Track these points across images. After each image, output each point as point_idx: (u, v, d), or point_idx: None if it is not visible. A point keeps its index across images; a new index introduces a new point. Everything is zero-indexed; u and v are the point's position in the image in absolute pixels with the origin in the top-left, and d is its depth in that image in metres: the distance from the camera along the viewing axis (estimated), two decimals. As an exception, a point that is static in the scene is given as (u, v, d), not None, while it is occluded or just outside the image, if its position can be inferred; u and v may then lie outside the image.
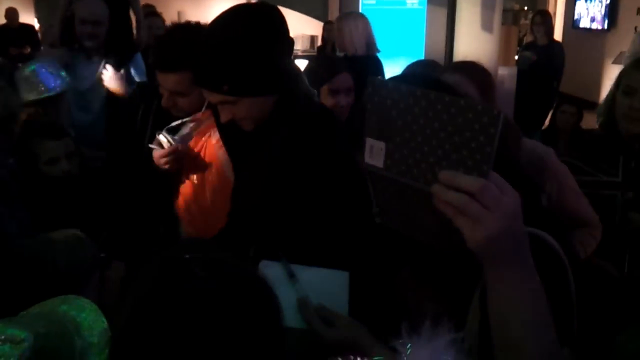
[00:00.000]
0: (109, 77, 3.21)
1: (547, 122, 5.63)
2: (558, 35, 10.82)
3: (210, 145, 1.94)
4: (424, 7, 4.42)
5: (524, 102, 5.56)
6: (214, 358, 0.77)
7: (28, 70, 2.84)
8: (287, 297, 1.13)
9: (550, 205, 1.90)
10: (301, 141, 1.55)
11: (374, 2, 4.65)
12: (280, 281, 1.24)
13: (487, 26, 4.71)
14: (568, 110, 4.52)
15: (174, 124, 1.95)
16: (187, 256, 0.83)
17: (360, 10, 4.73)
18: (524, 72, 5.60)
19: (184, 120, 1.96)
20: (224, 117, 1.58)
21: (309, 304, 1.20)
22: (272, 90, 1.56)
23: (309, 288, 1.25)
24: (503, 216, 0.78)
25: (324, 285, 1.26)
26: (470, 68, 2.03)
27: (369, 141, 0.90)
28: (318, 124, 1.63)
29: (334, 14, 11.04)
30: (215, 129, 1.91)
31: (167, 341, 0.76)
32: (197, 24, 1.94)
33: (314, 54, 8.27)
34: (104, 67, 3.25)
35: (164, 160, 1.90)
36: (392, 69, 4.57)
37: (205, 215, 1.93)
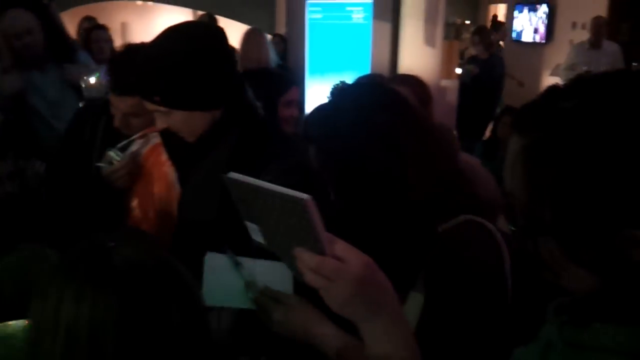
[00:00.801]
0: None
1: (487, 132, 5.82)
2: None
3: (160, 161, 1.95)
4: (369, 22, 4.51)
5: (466, 114, 5.73)
6: (126, 342, 0.85)
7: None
8: (234, 282, 1.18)
9: None
10: (246, 153, 1.57)
11: (320, 16, 4.72)
12: (227, 269, 1.30)
13: (430, 41, 4.84)
14: (508, 122, 4.68)
15: (124, 142, 1.96)
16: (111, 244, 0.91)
17: (306, 24, 4.78)
18: (466, 85, 5.77)
19: (133, 137, 1.96)
20: (158, 125, 1.62)
21: (256, 285, 1.27)
22: (207, 106, 1.57)
23: (256, 276, 1.31)
24: (346, 283, 0.84)
25: (270, 275, 1.29)
26: (412, 81, 2.13)
27: (247, 224, 0.97)
28: (264, 135, 1.65)
29: (281, 26, 11.13)
30: None
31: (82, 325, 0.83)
32: (149, 45, 1.96)
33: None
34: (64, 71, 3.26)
35: (115, 176, 1.89)
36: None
37: (156, 230, 1.93)
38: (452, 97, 5.36)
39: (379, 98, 1.22)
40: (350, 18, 4.59)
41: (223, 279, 1.25)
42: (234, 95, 1.62)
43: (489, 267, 1.13)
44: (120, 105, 1.92)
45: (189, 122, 1.58)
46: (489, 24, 11.36)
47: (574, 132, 0.70)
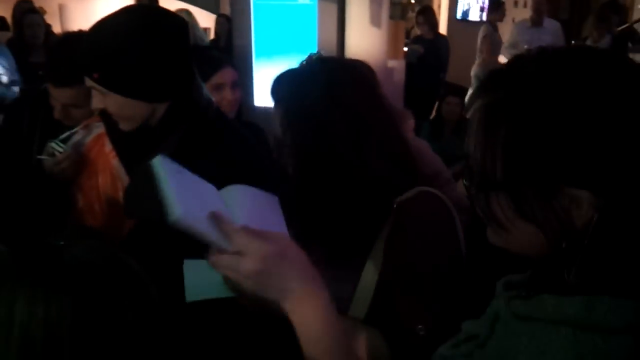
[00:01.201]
0: None
1: (434, 112, 5.90)
2: (443, 27, 11.27)
3: (104, 152, 1.90)
4: (315, 3, 4.48)
5: (413, 94, 5.79)
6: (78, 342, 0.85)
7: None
8: (213, 275, 1.07)
9: None
10: (189, 154, 1.49)
11: (265, -2, 4.66)
12: (205, 266, 1.07)
13: (375, 21, 4.85)
14: (452, 102, 4.77)
15: (65, 134, 1.91)
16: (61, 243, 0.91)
17: (251, 6, 4.72)
18: (413, 65, 5.83)
19: (75, 129, 1.92)
20: (94, 104, 1.56)
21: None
22: (148, 97, 1.51)
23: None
24: (254, 258, 0.90)
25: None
26: None
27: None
28: (211, 135, 1.60)
29: (225, 6, 10.95)
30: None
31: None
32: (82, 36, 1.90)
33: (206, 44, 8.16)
34: None
35: (58, 168, 1.84)
36: (286, 65, 4.62)
37: (103, 221, 1.89)
38: (400, 77, 5.40)
39: (351, 73, 1.30)
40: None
41: (202, 275, 1.19)
42: (182, 90, 1.55)
43: (443, 231, 1.24)
44: (60, 96, 1.88)
45: (126, 109, 1.51)
46: (434, 4, 11.45)
47: (529, 93, 0.75)
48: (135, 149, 1.62)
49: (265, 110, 2.83)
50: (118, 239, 1.67)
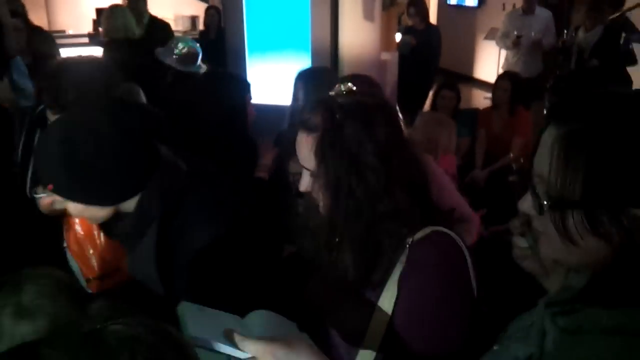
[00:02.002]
0: None
1: (428, 102, 5.90)
2: (433, 12, 11.24)
3: None
4: (308, -2, 4.45)
5: (406, 85, 5.78)
6: None
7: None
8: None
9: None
10: (171, 235, 1.45)
11: (257, -7, 4.62)
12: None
13: (368, 15, 4.83)
14: (447, 96, 4.76)
15: None
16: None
17: (243, 2, 4.67)
18: (405, 57, 5.80)
19: None
20: (57, 204, 1.55)
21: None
22: (104, 202, 1.42)
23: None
24: None
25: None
26: (363, 82, 2.13)
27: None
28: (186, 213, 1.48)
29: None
30: None
31: None
32: (87, 58, 1.90)
33: (197, 36, 8.07)
34: None
35: (52, 208, 1.77)
36: (279, 61, 4.60)
37: (98, 256, 1.87)
38: (393, 70, 5.38)
39: (384, 110, 1.33)
40: (288, -6, 4.52)
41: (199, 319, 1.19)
42: (143, 183, 1.42)
43: (455, 272, 1.26)
44: None
45: (86, 212, 1.44)
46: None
47: (607, 127, 0.87)
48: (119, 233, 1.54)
49: (260, 107, 2.84)
50: (122, 265, 1.66)
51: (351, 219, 1.27)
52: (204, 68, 3.56)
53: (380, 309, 1.26)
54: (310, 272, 1.56)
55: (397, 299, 1.24)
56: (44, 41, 4.74)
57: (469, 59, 10.80)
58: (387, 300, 1.26)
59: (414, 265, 1.24)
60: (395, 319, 1.24)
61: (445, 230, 1.27)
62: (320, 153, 1.27)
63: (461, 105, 4.87)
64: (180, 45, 3.56)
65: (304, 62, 4.54)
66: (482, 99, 9.27)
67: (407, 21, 6.40)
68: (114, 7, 4.76)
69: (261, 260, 1.62)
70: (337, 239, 1.31)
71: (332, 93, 1.37)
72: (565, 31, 6.62)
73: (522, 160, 4.21)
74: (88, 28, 8.75)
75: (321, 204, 1.33)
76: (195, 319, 1.08)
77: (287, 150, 2.69)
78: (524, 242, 1.45)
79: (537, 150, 0.95)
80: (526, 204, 0.97)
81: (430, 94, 5.63)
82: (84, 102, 1.68)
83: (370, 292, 1.29)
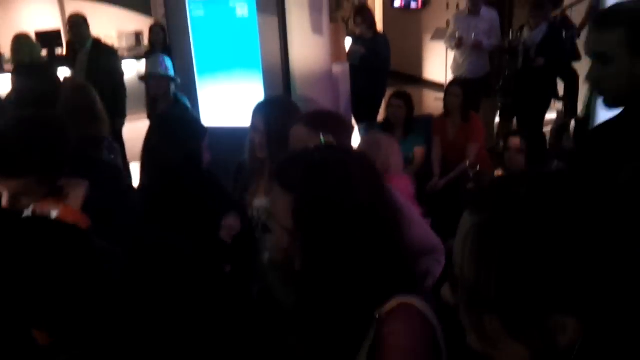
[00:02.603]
0: None
1: (381, 112, 5.92)
2: (379, 16, 11.32)
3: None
4: (255, 16, 4.39)
5: (360, 95, 5.78)
6: None
7: None
8: None
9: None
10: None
11: (202, 13, 4.53)
12: None
13: (317, 29, 4.79)
14: (395, 104, 4.79)
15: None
16: None
17: (188, 20, 4.58)
18: (356, 67, 5.80)
19: (24, 215, 1.82)
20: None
21: None
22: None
23: None
24: None
25: None
26: (322, 121, 2.10)
27: None
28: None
29: (157, 6, 10.62)
30: (69, 218, 1.80)
31: None
32: (37, 117, 1.84)
33: (142, 54, 7.91)
34: None
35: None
36: (230, 82, 4.53)
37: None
38: (345, 81, 5.36)
39: (363, 165, 1.30)
40: (234, 13, 4.44)
41: None
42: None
43: (422, 348, 1.20)
44: (8, 187, 1.77)
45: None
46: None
47: (521, 216, 0.78)
48: None
49: (213, 130, 2.79)
50: None
51: (328, 281, 1.23)
52: None
53: None
54: (285, 322, 1.54)
55: None
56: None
57: (418, 61, 10.91)
58: None
59: (381, 340, 1.20)
60: None
61: (413, 303, 1.23)
62: (300, 216, 1.23)
63: (414, 107, 4.90)
64: None
65: (256, 80, 4.49)
66: (433, 100, 9.37)
67: (354, 28, 6.40)
68: (19, 35, 5.50)
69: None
70: (309, 301, 1.27)
71: (310, 146, 1.34)
72: (511, 30, 6.73)
73: (478, 167, 4.27)
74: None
75: (297, 262, 1.28)
76: None
77: (248, 185, 2.65)
78: None
79: (457, 236, 0.87)
80: (447, 291, 0.89)
81: (384, 102, 5.65)
82: (31, 167, 1.75)
83: None
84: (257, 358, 1.51)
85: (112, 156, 3.39)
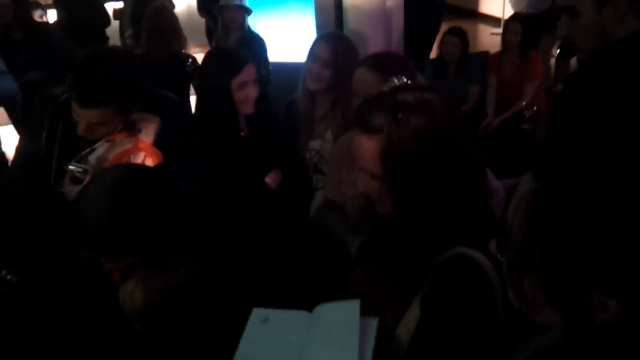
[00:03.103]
0: None
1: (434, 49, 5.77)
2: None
3: None
4: (308, -51, 4.29)
5: (414, 30, 5.62)
6: None
7: None
8: None
9: None
10: None
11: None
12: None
13: (372, -39, 4.66)
14: (450, 42, 4.66)
15: (84, 152, 1.89)
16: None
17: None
18: (409, 2, 5.62)
19: (96, 145, 1.89)
20: None
21: None
22: None
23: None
24: None
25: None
26: (387, 64, 2.03)
27: None
28: None
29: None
30: (143, 151, 1.87)
31: None
32: (113, 50, 1.89)
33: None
34: None
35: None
36: (282, 17, 4.48)
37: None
38: (398, 16, 5.21)
39: (450, 109, 1.25)
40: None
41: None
42: None
43: (477, 297, 1.17)
44: (87, 116, 1.85)
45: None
46: None
47: (578, 190, 0.77)
48: None
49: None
50: None
51: (412, 224, 1.22)
52: None
53: (404, 326, 1.23)
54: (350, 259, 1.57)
55: (419, 320, 1.20)
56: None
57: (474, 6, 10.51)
58: (411, 319, 1.23)
59: (436, 288, 1.19)
60: (415, 338, 1.21)
61: (470, 253, 1.18)
62: (390, 159, 1.19)
63: (469, 44, 4.76)
64: None
65: (309, 16, 4.42)
66: (488, 36, 9.06)
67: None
68: None
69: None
70: (386, 238, 1.28)
71: (385, 88, 1.29)
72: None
73: (534, 108, 4.15)
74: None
75: (381, 206, 1.27)
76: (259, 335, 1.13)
77: (300, 125, 2.63)
78: None
79: (515, 194, 0.87)
80: (493, 245, 0.90)
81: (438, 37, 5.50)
82: (111, 97, 1.79)
83: (399, 302, 1.26)
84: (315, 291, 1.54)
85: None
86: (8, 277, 1.80)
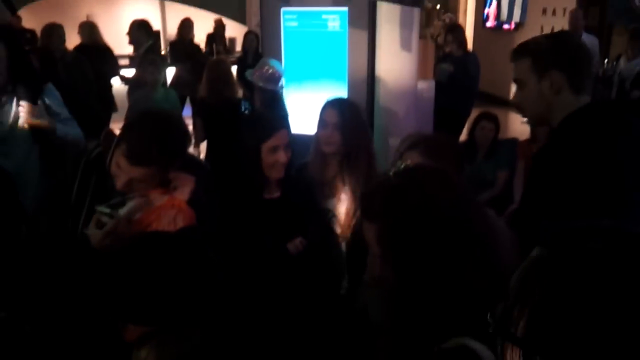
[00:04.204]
0: (27, 112, 2.92)
1: (464, 132, 5.84)
2: (470, 35, 11.17)
3: (161, 226, 1.90)
4: (345, 30, 4.45)
5: (443, 114, 5.74)
6: None
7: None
8: None
9: None
10: None
11: (295, 24, 4.64)
12: None
13: (406, 45, 4.81)
14: (486, 127, 4.72)
15: (117, 199, 1.90)
16: None
17: (282, 29, 4.71)
18: (442, 84, 5.77)
19: (127, 196, 1.91)
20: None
21: None
22: None
23: None
24: None
25: None
26: (429, 149, 2.04)
27: None
28: None
29: (251, 15, 10.95)
30: (175, 209, 1.90)
31: None
32: (166, 113, 1.97)
33: (233, 58, 8.19)
34: (18, 105, 2.94)
35: (108, 240, 1.81)
36: (317, 91, 4.61)
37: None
38: (429, 98, 5.35)
39: (443, 182, 1.28)
40: (326, 26, 4.52)
41: None
42: None
43: None
44: (132, 172, 1.89)
45: None
46: (458, 10, 11.35)
47: (578, 275, 0.75)
48: None
49: (297, 137, 2.84)
50: None
51: (416, 302, 1.24)
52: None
53: None
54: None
55: None
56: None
57: (507, 82, 10.68)
58: None
59: None
60: None
61: (475, 348, 1.16)
62: (385, 243, 1.26)
63: (500, 130, 4.81)
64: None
65: (341, 91, 4.55)
66: (519, 124, 9.14)
67: (444, 46, 6.37)
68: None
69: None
70: (395, 315, 1.29)
71: (390, 173, 1.34)
72: (606, 60, 6.50)
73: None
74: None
75: (390, 284, 1.30)
76: None
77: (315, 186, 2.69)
78: None
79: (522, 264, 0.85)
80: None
81: (468, 122, 5.57)
82: (161, 158, 1.89)
83: None
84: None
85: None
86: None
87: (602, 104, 2.25)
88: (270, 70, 4.35)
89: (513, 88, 2.20)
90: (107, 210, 1.83)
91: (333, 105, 2.73)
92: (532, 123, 2.28)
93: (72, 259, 1.86)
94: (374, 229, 1.27)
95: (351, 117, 2.66)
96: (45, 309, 1.92)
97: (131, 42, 6.18)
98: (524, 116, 2.23)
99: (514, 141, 5.51)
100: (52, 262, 1.98)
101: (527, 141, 4.90)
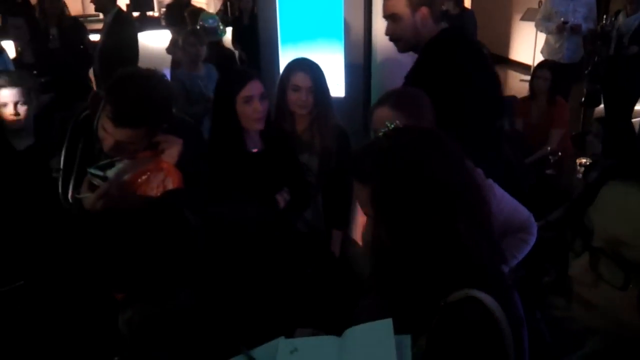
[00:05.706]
0: None
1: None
2: (468, -8, 11.00)
3: (150, 188, 1.90)
4: (341, -11, 4.39)
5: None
6: None
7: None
8: None
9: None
10: None
11: (290, -17, 4.57)
12: None
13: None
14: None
15: (106, 161, 1.90)
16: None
17: (276, -8, 4.64)
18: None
19: (115, 158, 1.91)
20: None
21: None
22: None
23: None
24: None
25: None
26: (407, 102, 2.08)
27: None
28: None
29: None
30: (164, 171, 1.90)
31: None
32: (152, 72, 1.91)
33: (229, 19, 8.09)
34: None
35: (100, 202, 1.83)
36: (313, 51, 4.57)
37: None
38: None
39: (434, 142, 1.29)
40: (321, -16, 4.46)
41: None
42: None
43: (483, 351, 1.16)
44: (118, 134, 1.86)
45: None
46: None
47: None
48: None
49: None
50: None
51: (411, 262, 1.25)
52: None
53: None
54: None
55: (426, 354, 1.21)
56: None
57: (505, 40, 10.61)
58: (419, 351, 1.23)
59: (442, 329, 1.19)
60: None
61: (481, 297, 1.18)
62: (378, 204, 1.26)
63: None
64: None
65: (337, 51, 4.51)
66: (517, 82, 9.10)
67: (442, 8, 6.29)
68: None
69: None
70: (388, 276, 1.29)
71: (379, 133, 1.34)
72: (605, 16, 6.41)
73: (559, 153, 4.15)
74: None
75: (383, 244, 1.29)
76: None
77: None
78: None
79: (597, 207, 0.81)
80: (578, 269, 0.81)
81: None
82: (147, 119, 1.85)
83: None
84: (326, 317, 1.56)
85: None
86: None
87: (453, 30, 2.81)
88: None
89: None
90: (100, 173, 1.83)
91: (303, 69, 2.77)
92: (405, 50, 2.66)
93: (68, 223, 1.87)
94: (366, 191, 1.27)
95: (321, 79, 2.77)
96: (53, 275, 1.94)
97: (97, 9, 5.90)
98: (398, 47, 2.67)
99: (512, 99, 5.49)
100: (51, 228, 2.00)
101: (525, 98, 4.89)
